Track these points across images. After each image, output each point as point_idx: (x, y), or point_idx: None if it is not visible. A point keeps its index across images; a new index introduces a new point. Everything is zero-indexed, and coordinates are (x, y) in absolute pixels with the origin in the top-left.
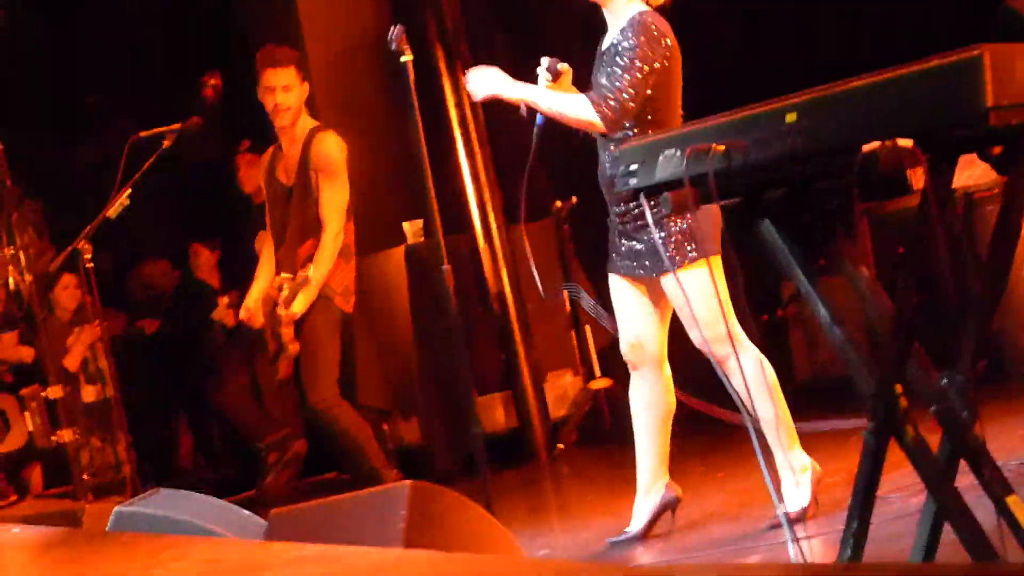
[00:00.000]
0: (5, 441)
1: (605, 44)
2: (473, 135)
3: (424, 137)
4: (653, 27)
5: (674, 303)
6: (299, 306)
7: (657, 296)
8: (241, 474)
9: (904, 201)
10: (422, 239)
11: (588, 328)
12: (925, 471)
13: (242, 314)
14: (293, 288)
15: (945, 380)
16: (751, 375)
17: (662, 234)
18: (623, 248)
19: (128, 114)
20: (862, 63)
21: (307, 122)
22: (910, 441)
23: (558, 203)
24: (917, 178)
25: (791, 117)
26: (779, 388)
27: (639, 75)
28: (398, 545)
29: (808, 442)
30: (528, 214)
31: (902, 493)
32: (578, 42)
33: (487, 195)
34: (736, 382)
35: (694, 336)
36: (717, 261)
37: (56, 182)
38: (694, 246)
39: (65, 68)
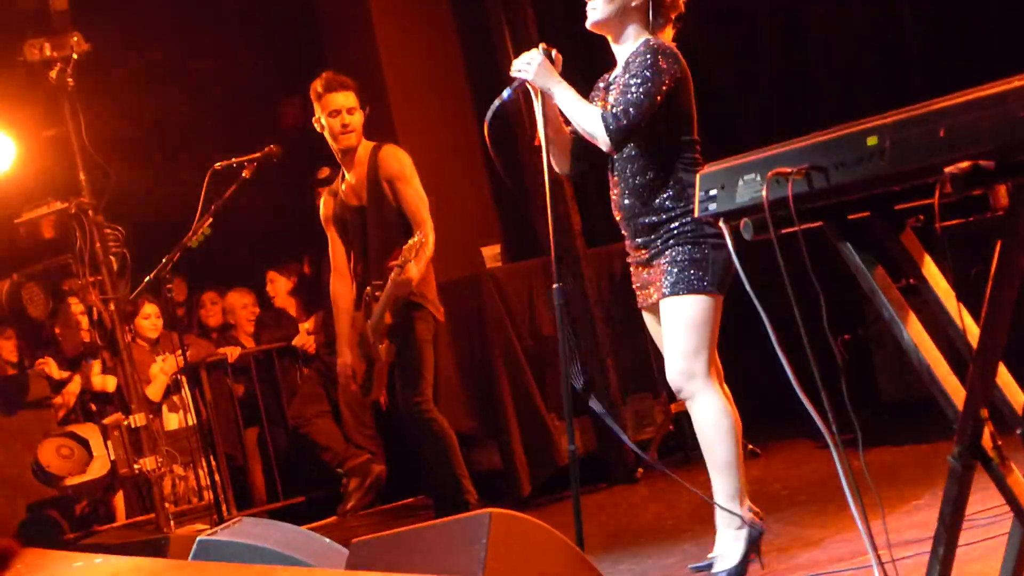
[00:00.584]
0: (88, 470)
1: (613, 75)
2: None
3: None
4: (667, 48)
5: (663, 327)
6: (412, 272)
7: None
8: (323, 500)
9: (986, 218)
10: (500, 263)
11: None
12: (1011, 495)
13: (342, 377)
14: (388, 295)
15: None
16: (712, 418)
17: (675, 260)
18: (641, 280)
19: (208, 141)
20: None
21: (367, 144)
22: (996, 466)
23: None
24: (999, 197)
25: (872, 140)
26: (738, 438)
27: (651, 95)
28: (480, 574)
29: (895, 462)
30: (605, 237)
31: (989, 516)
32: None
33: (569, 217)
34: (698, 421)
35: (668, 368)
36: (718, 301)
37: (137, 209)
38: (700, 276)
39: (149, 95)
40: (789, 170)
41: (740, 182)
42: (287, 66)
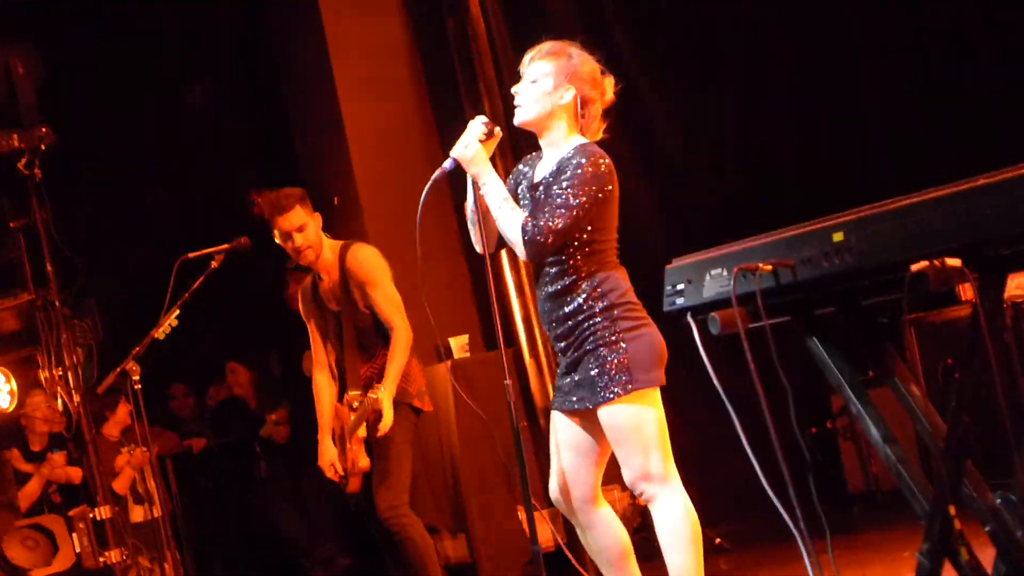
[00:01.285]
0: (53, 562)
1: (539, 174)
2: None
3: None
4: (599, 156)
5: (608, 436)
6: (388, 419)
7: (594, 430)
8: None
9: (951, 310)
10: (468, 354)
11: None
12: None
13: (327, 471)
14: (362, 412)
15: (999, 499)
16: (671, 522)
17: (598, 363)
18: (564, 382)
19: (175, 226)
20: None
21: (332, 245)
22: (965, 563)
23: None
24: (965, 290)
25: (838, 236)
26: (699, 542)
27: (579, 209)
28: None
29: (863, 556)
30: None
31: None
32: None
33: (531, 308)
34: (657, 524)
35: (624, 474)
36: (655, 394)
37: (104, 297)
38: (629, 377)
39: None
40: (756, 265)
41: (707, 276)
42: (257, 156)
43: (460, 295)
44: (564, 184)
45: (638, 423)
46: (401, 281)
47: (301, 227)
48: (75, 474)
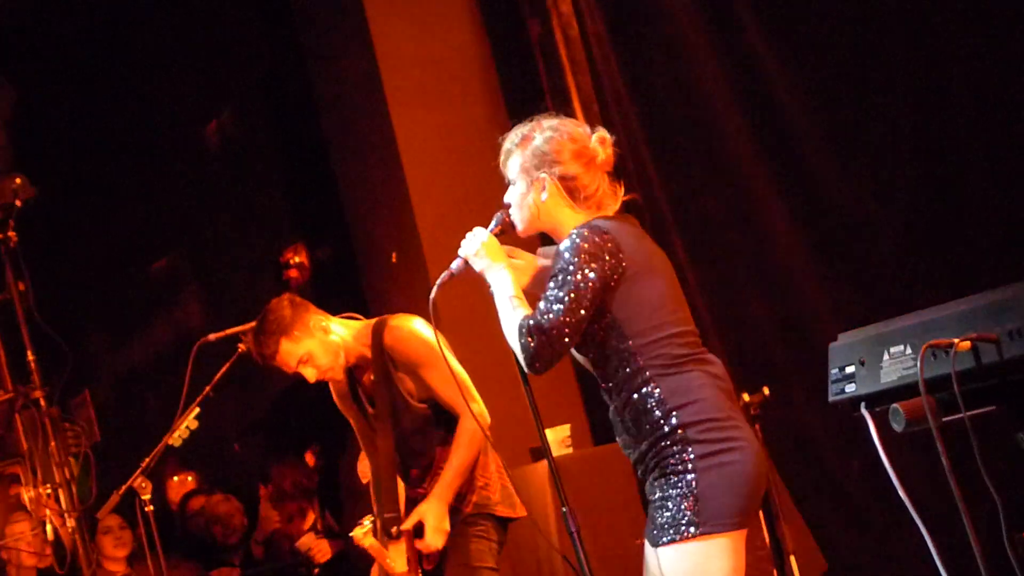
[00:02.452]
0: None
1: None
2: None
3: None
4: (584, 234)
5: None
6: (433, 517)
7: None
8: None
9: None
10: (570, 449)
11: (793, 559)
12: None
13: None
14: (408, 538)
15: None
16: None
17: (662, 495)
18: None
19: (193, 305)
20: None
21: (359, 333)
22: None
23: (746, 396)
24: None
25: None
26: None
27: (574, 301)
28: None
29: None
30: None
31: None
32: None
33: None
34: None
35: None
36: (726, 543)
37: (103, 395)
38: (693, 518)
39: (115, 249)
40: (950, 341)
41: (885, 356)
42: (290, 208)
43: (558, 374)
44: (554, 272)
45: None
46: (475, 357)
47: (301, 361)
48: None
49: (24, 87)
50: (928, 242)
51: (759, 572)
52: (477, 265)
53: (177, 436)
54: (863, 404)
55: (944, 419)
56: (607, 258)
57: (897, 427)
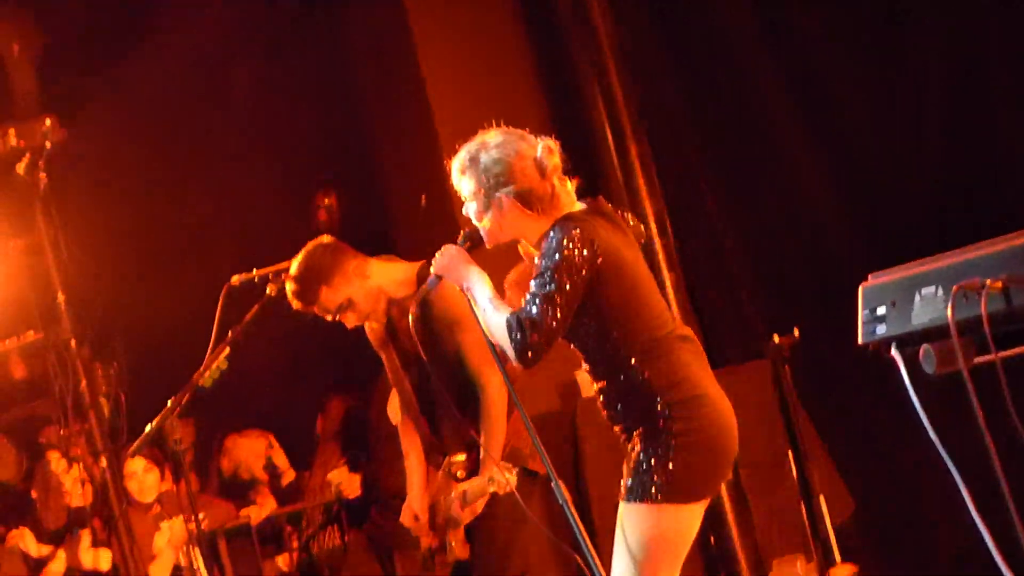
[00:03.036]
0: None
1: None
2: (660, 256)
3: None
4: (575, 226)
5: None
6: (500, 480)
7: None
8: None
9: None
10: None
11: (822, 499)
12: None
13: (406, 519)
14: (471, 496)
15: None
16: None
17: (642, 456)
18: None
19: (223, 247)
20: None
21: (404, 274)
22: None
23: (776, 337)
24: None
25: None
26: None
27: (560, 293)
28: None
29: None
30: (736, 353)
31: None
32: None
33: None
34: None
35: None
36: (686, 511)
37: (133, 337)
38: (663, 485)
39: (145, 192)
40: (982, 283)
41: (916, 298)
42: (321, 152)
43: None
44: (540, 266)
45: (645, 539)
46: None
47: (341, 307)
48: (103, 559)
49: (54, 30)
50: (960, 182)
51: (788, 510)
52: (453, 278)
53: (207, 377)
54: (894, 346)
55: (975, 361)
56: (586, 252)
57: (928, 369)
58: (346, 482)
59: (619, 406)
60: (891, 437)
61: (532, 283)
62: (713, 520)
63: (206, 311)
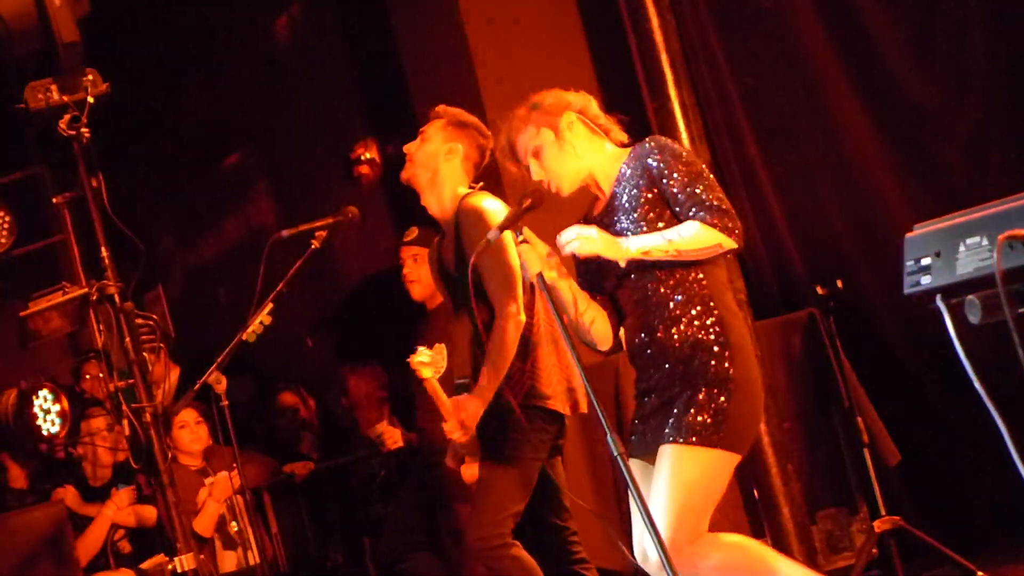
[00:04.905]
0: None
1: (602, 207)
2: None
3: None
4: (672, 141)
5: (655, 479)
6: (466, 410)
7: None
8: None
9: None
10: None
11: (867, 451)
12: None
13: (455, 434)
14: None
15: None
16: (728, 569)
17: (699, 401)
18: (638, 431)
19: (262, 204)
20: None
21: (454, 194)
22: None
23: (820, 288)
24: None
25: None
26: (767, 560)
27: (708, 179)
28: None
29: None
30: (778, 303)
31: None
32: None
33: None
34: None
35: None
36: (731, 463)
37: (176, 292)
38: (720, 431)
39: (186, 145)
40: None
41: (961, 247)
42: (361, 103)
43: None
44: (677, 180)
45: (694, 483)
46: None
47: (416, 160)
48: (148, 514)
49: None
50: (1005, 131)
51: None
52: (615, 253)
53: (251, 332)
54: (938, 296)
55: (1021, 310)
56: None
57: (973, 319)
58: (387, 433)
59: (679, 332)
60: (936, 388)
61: (675, 184)
62: (757, 473)
63: (246, 266)
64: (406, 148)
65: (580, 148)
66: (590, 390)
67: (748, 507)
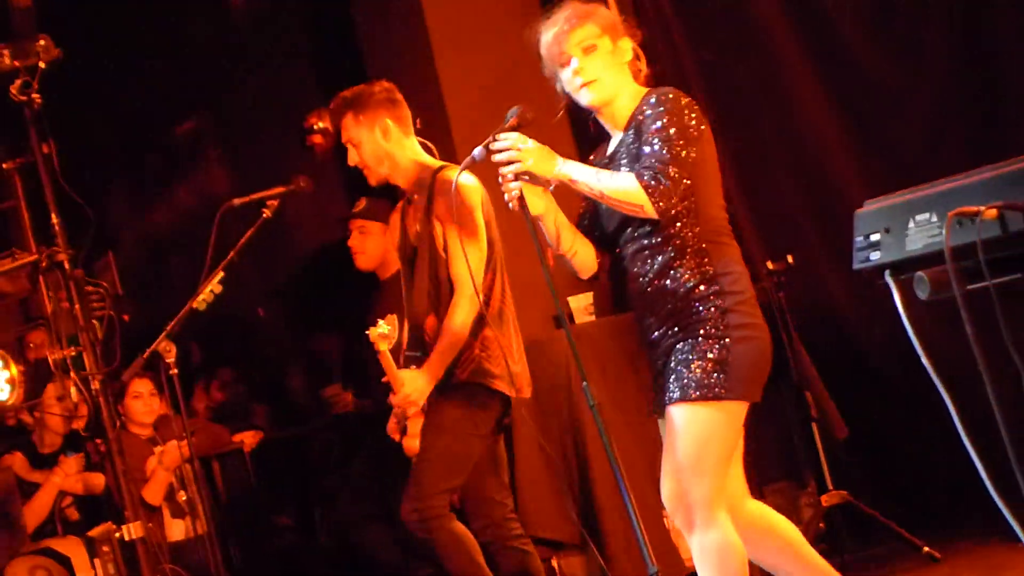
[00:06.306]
0: None
1: (612, 147)
2: None
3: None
4: (683, 96)
5: (668, 437)
6: (414, 385)
7: None
8: None
9: None
10: (593, 317)
11: (815, 426)
12: None
13: (401, 408)
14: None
15: None
16: (709, 561)
17: (694, 356)
18: (660, 379)
19: (217, 171)
20: None
21: (427, 163)
22: None
23: (770, 264)
24: None
25: None
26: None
27: (685, 146)
28: None
29: None
30: None
31: None
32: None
33: None
34: (696, 559)
35: (665, 489)
36: (742, 411)
37: (126, 259)
38: (722, 382)
39: (138, 115)
40: (977, 209)
41: (911, 224)
42: (315, 72)
43: None
44: (655, 125)
45: (707, 437)
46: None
47: (351, 141)
48: (96, 482)
49: None
50: (956, 109)
51: (780, 438)
52: (544, 171)
53: (202, 300)
54: (888, 272)
55: (969, 287)
56: (696, 118)
57: (922, 295)
58: (339, 396)
59: (678, 283)
60: (885, 364)
61: (653, 140)
62: None
63: (198, 234)
64: (352, 163)
65: (622, 68)
66: (573, 344)
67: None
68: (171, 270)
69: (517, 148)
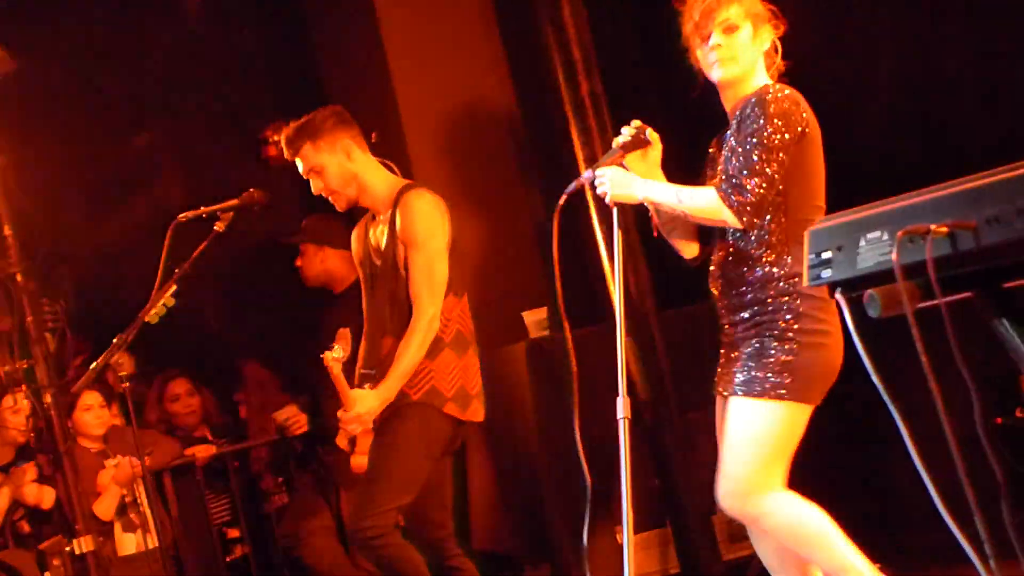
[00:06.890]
0: None
1: (729, 132)
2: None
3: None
4: (785, 93)
5: (726, 429)
6: (365, 405)
7: None
8: None
9: None
10: (547, 332)
11: None
12: None
13: (350, 425)
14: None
15: None
16: (790, 526)
17: (762, 352)
18: (724, 366)
19: (170, 183)
20: None
21: (392, 183)
22: None
23: None
24: None
25: None
26: (829, 536)
27: (772, 154)
28: None
29: None
30: (684, 293)
31: None
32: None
33: (632, 276)
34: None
35: (720, 484)
36: (803, 414)
37: (79, 273)
38: (787, 383)
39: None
40: (927, 228)
41: (862, 242)
42: (271, 84)
43: (533, 259)
44: (750, 129)
45: (767, 435)
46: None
47: (314, 169)
48: (46, 495)
49: None
50: (908, 127)
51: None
52: (623, 197)
53: (154, 313)
54: (839, 290)
55: (920, 305)
56: (800, 121)
57: (873, 313)
58: (293, 418)
59: (761, 273)
60: (842, 378)
61: (744, 144)
62: (659, 463)
63: (153, 246)
64: (317, 192)
65: (756, 61)
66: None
67: (649, 500)
68: (127, 281)
69: (600, 181)
